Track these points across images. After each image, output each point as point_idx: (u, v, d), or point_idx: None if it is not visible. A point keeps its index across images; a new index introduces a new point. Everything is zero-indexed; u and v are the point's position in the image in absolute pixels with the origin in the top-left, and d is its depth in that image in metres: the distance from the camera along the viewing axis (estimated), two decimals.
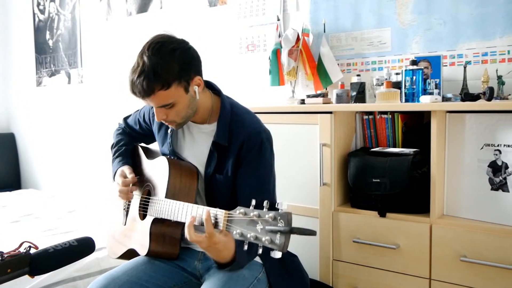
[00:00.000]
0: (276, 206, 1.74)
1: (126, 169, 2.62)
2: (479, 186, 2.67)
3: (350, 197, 3.09)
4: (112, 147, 2.85)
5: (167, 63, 2.23)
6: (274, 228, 1.71)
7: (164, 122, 2.41)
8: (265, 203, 1.77)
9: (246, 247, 1.82)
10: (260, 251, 1.77)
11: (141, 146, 2.88)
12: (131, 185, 2.56)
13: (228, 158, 2.41)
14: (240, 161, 2.39)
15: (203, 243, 2.01)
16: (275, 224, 1.72)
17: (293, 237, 2.51)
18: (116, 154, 2.78)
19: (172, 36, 2.34)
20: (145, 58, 2.22)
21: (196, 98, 2.36)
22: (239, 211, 1.84)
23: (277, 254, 1.72)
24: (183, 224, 2.30)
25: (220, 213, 1.94)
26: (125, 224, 2.67)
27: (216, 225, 1.97)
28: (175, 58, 2.25)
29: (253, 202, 1.84)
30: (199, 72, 2.37)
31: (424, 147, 2.84)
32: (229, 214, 1.90)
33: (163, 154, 2.61)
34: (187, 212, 2.17)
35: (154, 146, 2.87)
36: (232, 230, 1.85)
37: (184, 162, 2.53)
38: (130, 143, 2.86)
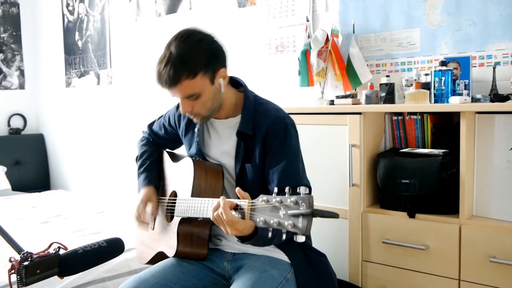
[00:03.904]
0: (297, 190, 1.74)
1: (150, 198, 2.68)
2: (508, 187, 2.67)
3: (379, 198, 3.09)
4: (136, 160, 2.87)
5: (194, 52, 2.27)
6: (296, 212, 1.71)
7: (189, 115, 2.42)
8: (286, 189, 1.78)
9: (270, 234, 1.82)
10: (284, 236, 1.78)
11: (167, 151, 2.90)
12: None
13: (255, 146, 2.42)
14: (266, 150, 2.41)
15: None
16: (296, 208, 1.71)
17: (323, 236, 2.52)
18: (141, 169, 2.80)
19: (198, 28, 2.39)
20: (172, 48, 2.27)
21: (221, 90, 2.39)
22: (261, 199, 1.84)
23: (300, 238, 1.71)
24: (211, 224, 2.32)
25: (244, 203, 1.94)
26: (153, 229, 2.69)
27: (241, 215, 1.98)
28: (202, 48, 2.29)
29: (275, 189, 1.85)
30: (224, 65, 2.40)
31: (453, 148, 2.84)
32: (252, 202, 1.90)
33: (191, 156, 2.61)
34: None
35: (180, 151, 2.89)
36: (256, 218, 1.84)
37: (210, 162, 2.55)
38: (155, 153, 2.89)
